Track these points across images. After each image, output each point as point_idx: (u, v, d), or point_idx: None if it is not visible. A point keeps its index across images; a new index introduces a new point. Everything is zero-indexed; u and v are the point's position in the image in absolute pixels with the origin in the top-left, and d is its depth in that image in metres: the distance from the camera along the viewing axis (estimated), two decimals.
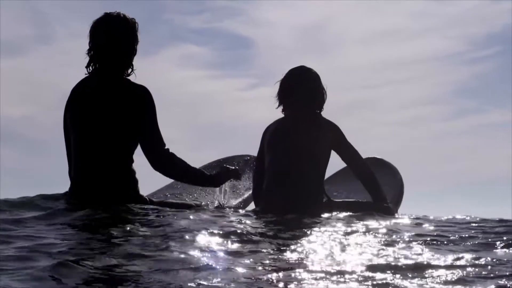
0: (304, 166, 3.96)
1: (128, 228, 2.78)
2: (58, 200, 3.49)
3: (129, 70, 3.60)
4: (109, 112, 3.48)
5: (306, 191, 3.92)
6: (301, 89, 4.07)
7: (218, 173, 3.85)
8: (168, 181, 4.76)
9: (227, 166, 3.91)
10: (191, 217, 3.22)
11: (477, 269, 2.26)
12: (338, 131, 4.09)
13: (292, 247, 2.64)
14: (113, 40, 3.51)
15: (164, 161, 3.61)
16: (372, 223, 3.46)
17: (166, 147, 3.62)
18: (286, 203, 3.83)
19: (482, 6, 15.86)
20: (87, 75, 3.62)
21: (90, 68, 3.59)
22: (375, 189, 4.14)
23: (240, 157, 4.97)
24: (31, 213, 3.10)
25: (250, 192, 4.43)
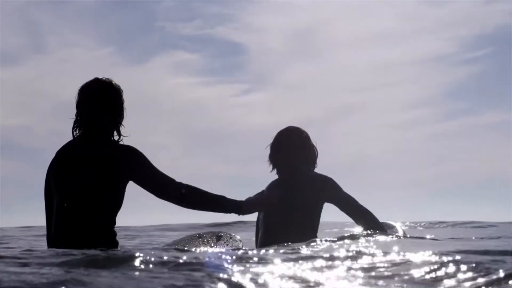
0: (296, 219, 4.05)
1: None
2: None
3: (118, 136, 3.65)
4: (92, 174, 3.50)
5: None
6: (291, 151, 4.17)
7: (249, 199, 3.78)
8: None
9: (260, 193, 3.88)
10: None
11: None
12: (331, 184, 4.16)
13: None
14: (101, 105, 3.60)
15: (178, 197, 3.63)
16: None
17: (176, 182, 3.63)
18: None
19: (472, 7, 15.94)
20: (73, 138, 3.67)
21: (76, 131, 3.65)
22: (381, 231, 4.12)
23: (213, 234, 4.95)
24: None
25: None
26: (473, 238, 6.76)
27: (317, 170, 4.26)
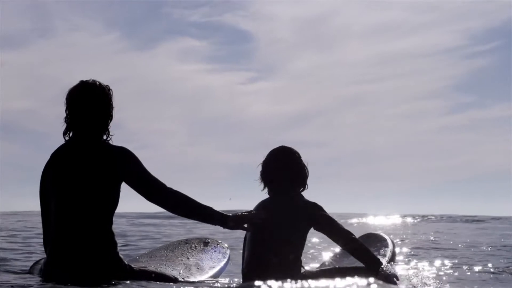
0: (283, 241, 4.10)
1: None
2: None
3: (106, 136, 3.78)
4: (89, 176, 3.64)
5: (284, 264, 4.04)
6: (282, 171, 4.24)
7: (235, 215, 3.92)
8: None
9: (248, 212, 4.01)
10: None
11: None
12: (316, 209, 4.20)
13: None
14: (89, 107, 3.71)
15: (166, 201, 3.77)
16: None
17: (166, 186, 3.76)
18: (264, 275, 3.91)
19: (482, 0, 15.62)
20: (65, 141, 3.78)
21: (68, 134, 3.78)
22: (364, 255, 4.16)
23: (200, 240, 5.07)
24: None
25: (214, 271, 4.59)
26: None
27: (306, 192, 4.28)
